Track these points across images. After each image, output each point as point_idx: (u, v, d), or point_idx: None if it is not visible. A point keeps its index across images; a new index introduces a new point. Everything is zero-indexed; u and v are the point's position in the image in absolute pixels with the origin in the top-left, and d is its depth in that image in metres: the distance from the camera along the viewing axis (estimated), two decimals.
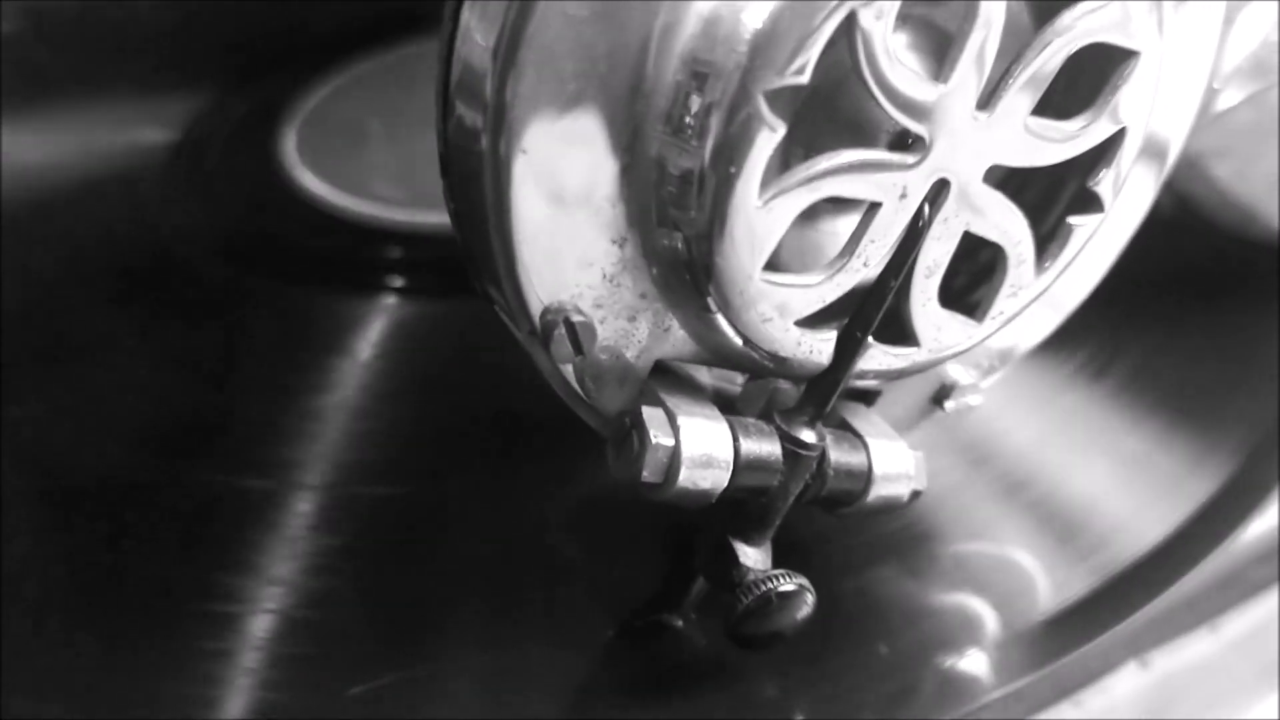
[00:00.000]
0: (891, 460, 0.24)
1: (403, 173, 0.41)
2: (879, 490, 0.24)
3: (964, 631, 0.26)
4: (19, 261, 0.37)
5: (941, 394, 0.27)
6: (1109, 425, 0.32)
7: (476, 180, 0.21)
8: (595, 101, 0.20)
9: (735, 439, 0.22)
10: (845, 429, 0.25)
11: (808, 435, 0.23)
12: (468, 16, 0.20)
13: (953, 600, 0.27)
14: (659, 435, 0.22)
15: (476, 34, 0.20)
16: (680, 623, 0.26)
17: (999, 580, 0.28)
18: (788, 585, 0.23)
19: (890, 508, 0.25)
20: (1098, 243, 0.25)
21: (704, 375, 0.24)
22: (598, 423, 0.23)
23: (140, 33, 0.46)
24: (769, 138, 0.19)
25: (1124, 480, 0.31)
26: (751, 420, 0.23)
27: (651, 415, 0.22)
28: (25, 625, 0.25)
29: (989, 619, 0.27)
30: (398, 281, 0.36)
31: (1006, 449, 0.31)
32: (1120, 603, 0.27)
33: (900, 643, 0.26)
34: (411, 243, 0.37)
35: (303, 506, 0.29)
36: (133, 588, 0.26)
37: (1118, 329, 0.33)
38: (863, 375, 0.24)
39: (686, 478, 0.22)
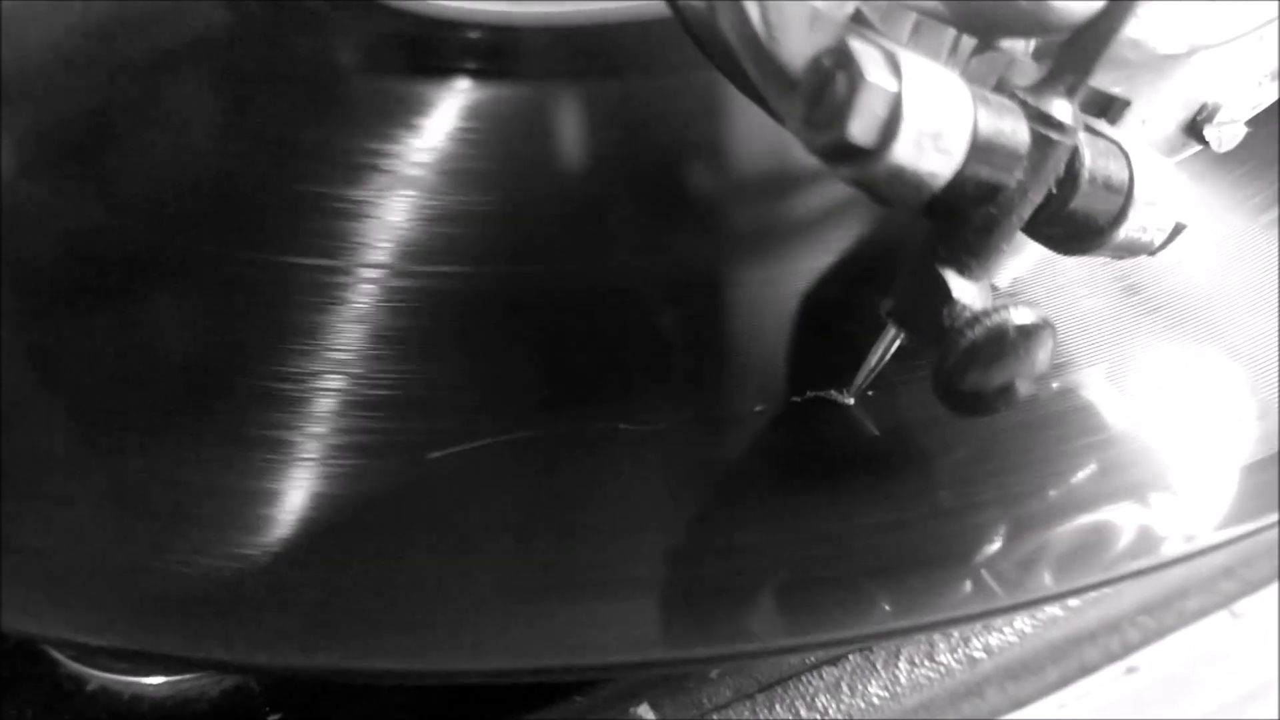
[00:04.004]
0: (1157, 179, 0.18)
1: None
2: (1138, 217, 0.18)
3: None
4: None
5: (1201, 118, 0.20)
6: None
7: None
8: None
9: (974, 105, 0.16)
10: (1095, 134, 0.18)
11: (1062, 112, 0.17)
12: None
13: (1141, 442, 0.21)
14: (876, 75, 0.15)
15: None
16: (851, 400, 0.20)
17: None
18: (1027, 316, 0.17)
19: (1140, 249, 0.19)
20: None
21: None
22: (775, 87, 0.17)
23: None
24: None
25: None
26: (989, 92, 0.17)
27: (865, 51, 0.15)
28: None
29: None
30: (470, 66, 0.31)
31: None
32: None
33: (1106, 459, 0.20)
34: (484, 29, 0.33)
35: (366, 287, 0.23)
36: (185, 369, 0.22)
37: None
38: (1134, 44, 0.18)
39: (909, 144, 0.15)
